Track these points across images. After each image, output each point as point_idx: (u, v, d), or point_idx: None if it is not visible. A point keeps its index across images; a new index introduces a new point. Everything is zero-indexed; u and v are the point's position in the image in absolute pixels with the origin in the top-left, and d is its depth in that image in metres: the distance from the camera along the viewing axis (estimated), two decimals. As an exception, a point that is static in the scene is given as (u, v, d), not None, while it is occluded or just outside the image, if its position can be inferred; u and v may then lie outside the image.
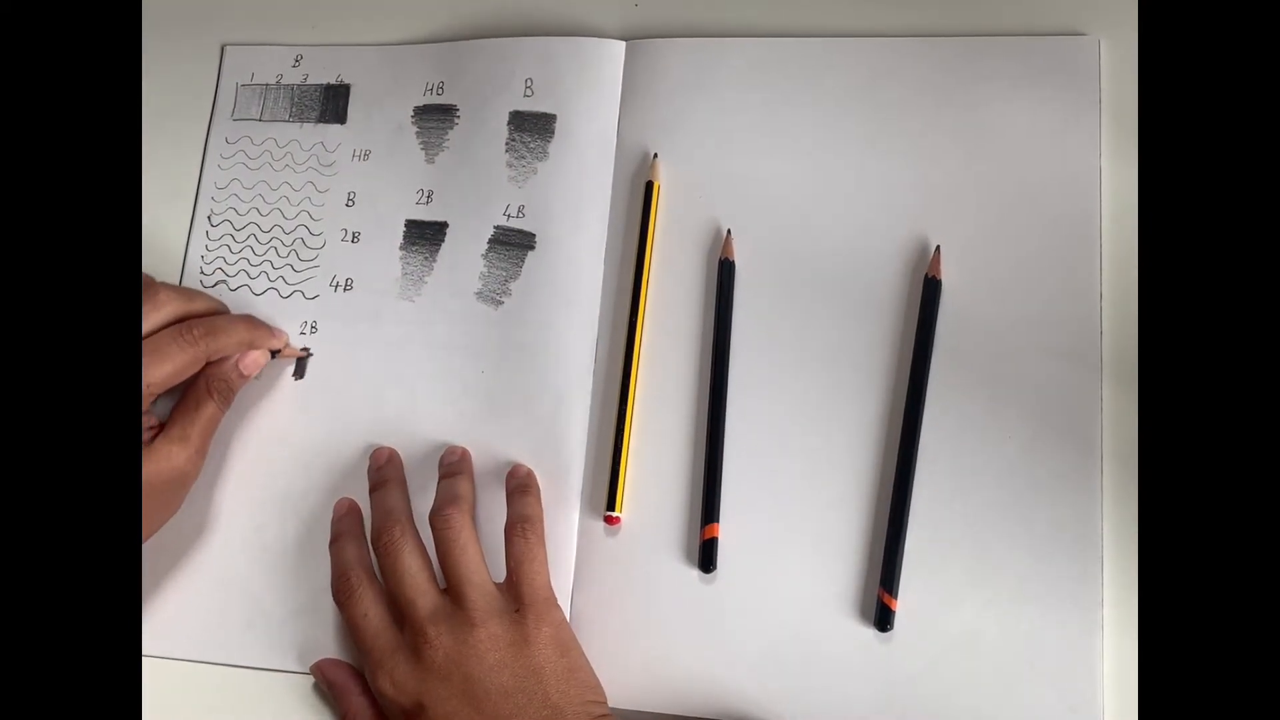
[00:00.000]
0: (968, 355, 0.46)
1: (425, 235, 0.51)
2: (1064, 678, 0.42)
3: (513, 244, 0.50)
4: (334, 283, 0.52)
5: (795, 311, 0.48)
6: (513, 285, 0.50)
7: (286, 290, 0.52)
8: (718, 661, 0.44)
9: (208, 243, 0.53)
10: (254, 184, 0.54)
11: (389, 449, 0.48)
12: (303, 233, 0.53)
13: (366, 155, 0.53)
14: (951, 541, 0.44)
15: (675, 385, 0.48)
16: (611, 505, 0.46)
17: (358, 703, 0.44)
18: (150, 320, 0.46)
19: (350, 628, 0.44)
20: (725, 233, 0.49)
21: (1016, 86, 0.48)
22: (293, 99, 0.55)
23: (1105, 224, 0.46)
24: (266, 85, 0.55)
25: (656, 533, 0.46)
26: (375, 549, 0.45)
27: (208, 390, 0.47)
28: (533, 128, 0.51)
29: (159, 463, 0.45)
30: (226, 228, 0.53)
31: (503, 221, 0.51)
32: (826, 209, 0.49)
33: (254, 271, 0.53)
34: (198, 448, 0.46)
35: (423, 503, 0.46)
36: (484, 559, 0.43)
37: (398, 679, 0.42)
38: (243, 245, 0.53)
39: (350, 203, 0.53)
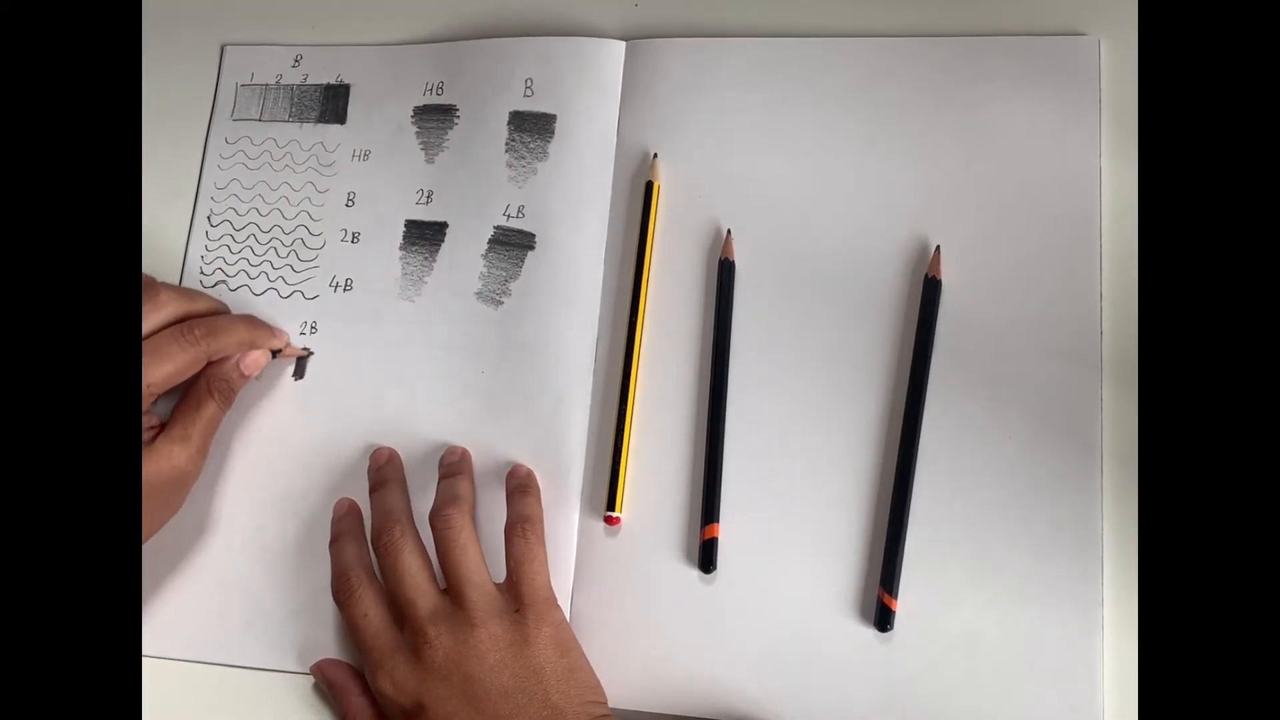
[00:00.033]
0: (968, 355, 0.46)
1: (425, 235, 0.51)
2: (1064, 678, 0.42)
3: (513, 244, 0.50)
4: (334, 283, 0.52)
5: (795, 311, 0.48)
6: (513, 285, 0.50)
7: (286, 290, 0.52)
8: (718, 661, 0.44)
9: (207, 243, 0.53)
10: (254, 184, 0.54)
11: (389, 449, 0.48)
12: (302, 233, 0.53)
13: (366, 155, 0.53)
14: (951, 541, 0.44)
15: (675, 385, 0.48)
16: (611, 505, 0.46)
17: (358, 703, 0.44)
18: (151, 320, 0.46)
19: (350, 628, 0.44)
20: (725, 233, 0.49)
21: (1016, 86, 0.48)
22: (292, 99, 0.55)
23: (1105, 224, 0.46)
24: (266, 85, 0.55)
25: (656, 533, 0.46)
26: (375, 549, 0.45)
27: (208, 390, 0.47)
28: (533, 128, 0.51)
29: (160, 462, 0.45)
30: (226, 228, 0.53)
31: (502, 221, 0.51)
32: (826, 209, 0.49)
33: (254, 271, 0.53)
34: (198, 447, 0.46)
35: (423, 503, 0.46)
36: (484, 559, 0.43)
37: (398, 679, 0.42)
38: (243, 245, 0.53)
39: (350, 203, 0.53)
